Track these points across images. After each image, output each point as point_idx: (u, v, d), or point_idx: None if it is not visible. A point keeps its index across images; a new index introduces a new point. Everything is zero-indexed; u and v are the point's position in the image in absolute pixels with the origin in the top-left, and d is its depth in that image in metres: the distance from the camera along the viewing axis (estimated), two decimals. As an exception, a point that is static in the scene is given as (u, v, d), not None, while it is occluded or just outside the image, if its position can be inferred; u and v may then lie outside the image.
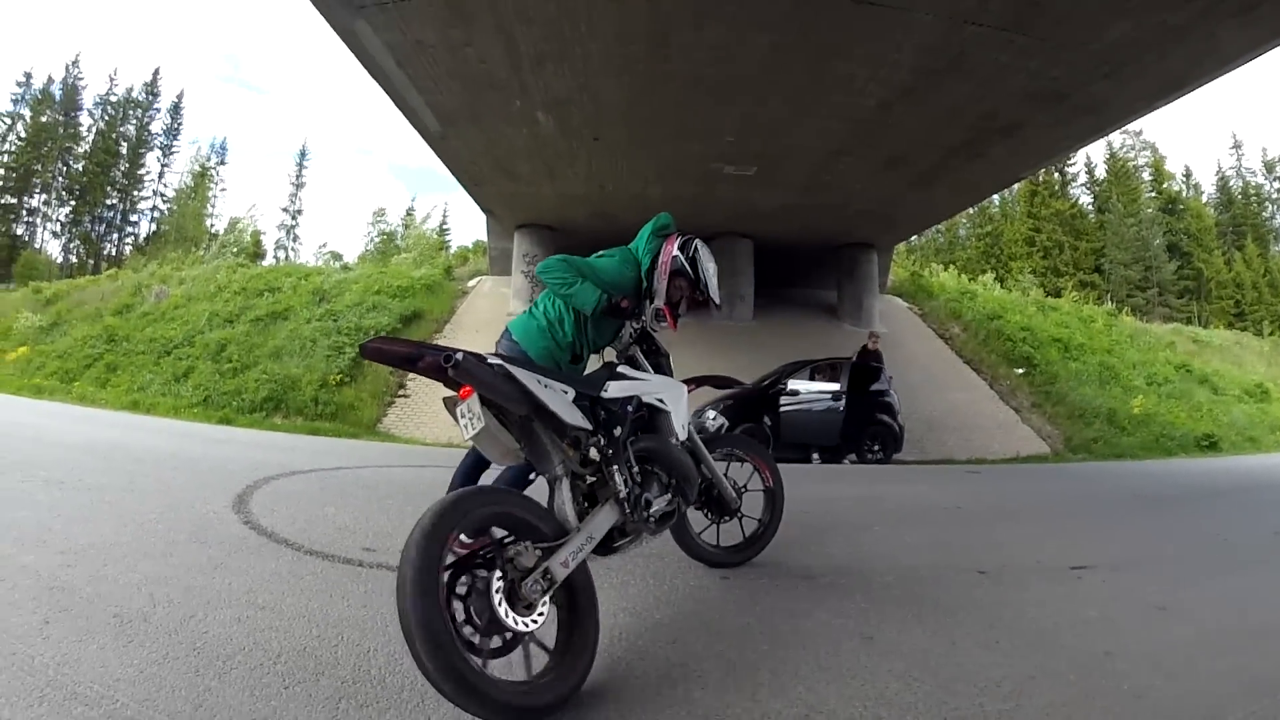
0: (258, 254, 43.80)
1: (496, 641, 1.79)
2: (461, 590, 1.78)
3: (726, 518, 3.19)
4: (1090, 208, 42.10)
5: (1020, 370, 14.58)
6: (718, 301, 3.10)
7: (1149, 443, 12.43)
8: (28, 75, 50.71)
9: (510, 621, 1.77)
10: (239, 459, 6.13)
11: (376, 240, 49.22)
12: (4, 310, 17.95)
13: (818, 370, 10.82)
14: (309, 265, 26.12)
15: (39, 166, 46.89)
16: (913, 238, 25.71)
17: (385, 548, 3.27)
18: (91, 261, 42.34)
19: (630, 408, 2.53)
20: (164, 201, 52.56)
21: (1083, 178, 43.31)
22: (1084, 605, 2.87)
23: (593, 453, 2.40)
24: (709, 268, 2.99)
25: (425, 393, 12.67)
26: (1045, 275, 35.93)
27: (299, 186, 54.07)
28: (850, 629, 2.52)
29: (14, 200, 46.51)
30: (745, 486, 3.25)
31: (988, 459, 10.60)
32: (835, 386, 10.42)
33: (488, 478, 3.11)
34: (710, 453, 3.05)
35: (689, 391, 2.94)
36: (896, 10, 7.07)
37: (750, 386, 10.55)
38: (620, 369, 2.72)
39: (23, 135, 46.93)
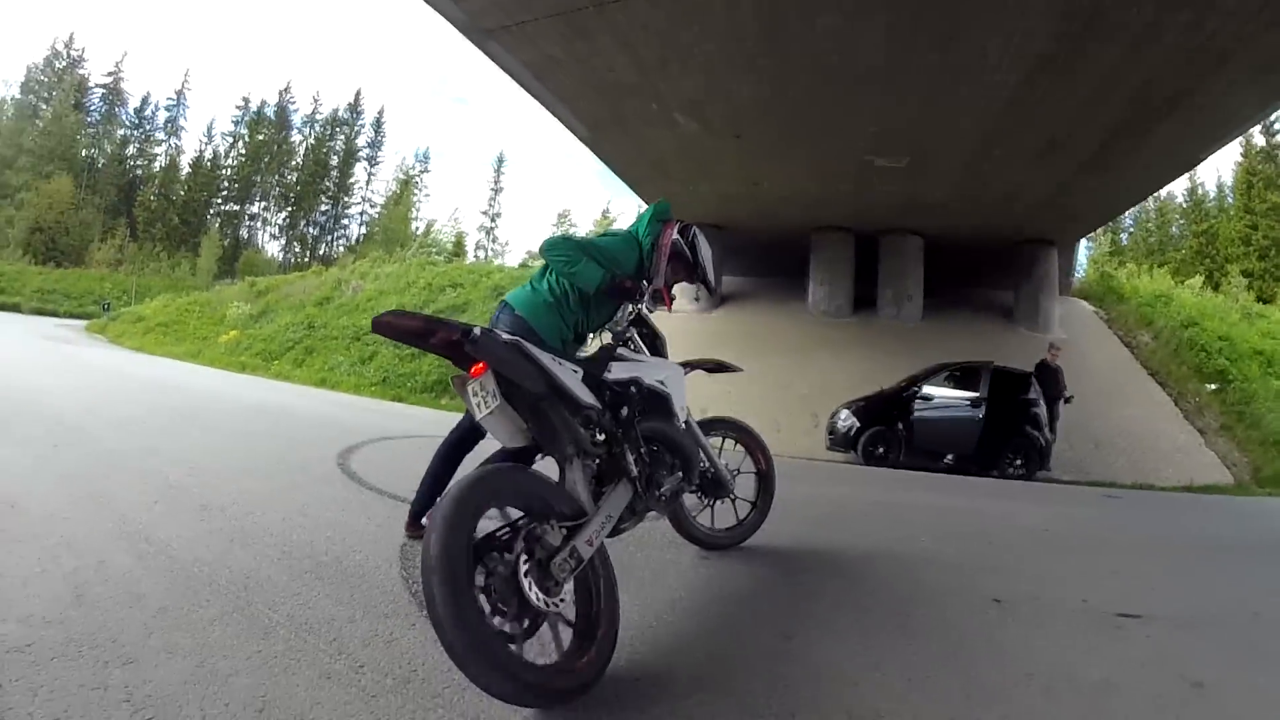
0: (458, 254, 49.31)
1: (525, 623, 1.77)
2: (486, 572, 1.75)
3: (721, 500, 3.35)
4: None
5: (1212, 386, 12.88)
6: (713, 286, 3.43)
7: (1359, 480, 10.47)
8: (245, 99, 62.36)
9: (539, 602, 1.76)
10: (371, 424, 7.43)
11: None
12: (223, 301, 21.97)
13: (956, 375, 10.46)
14: (490, 264, 28.99)
15: (258, 178, 57.09)
16: (1122, 237, 23.32)
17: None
18: (306, 260, 49.76)
19: (634, 389, 2.60)
20: (371, 207, 61.40)
21: None
22: (1097, 662, 2.44)
23: (599, 434, 2.42)
24: (706, 253, 3.23)
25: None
26: (1262, 279, 30.98)
27: (497, 191, 61.20)
28: (774, 628, 2.50)
29: (237, 207, 57.00)
30: (739, 469, 3.45)
31: (1155, 485, 9.56)
32: (975, 394, 10.02)
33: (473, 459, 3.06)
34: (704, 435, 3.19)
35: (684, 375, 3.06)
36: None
37: (887, 390, 10.57)
38: (620, 350, 2.77)
39: (243, 151, 57.44)
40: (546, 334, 2.83)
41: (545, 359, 2.19)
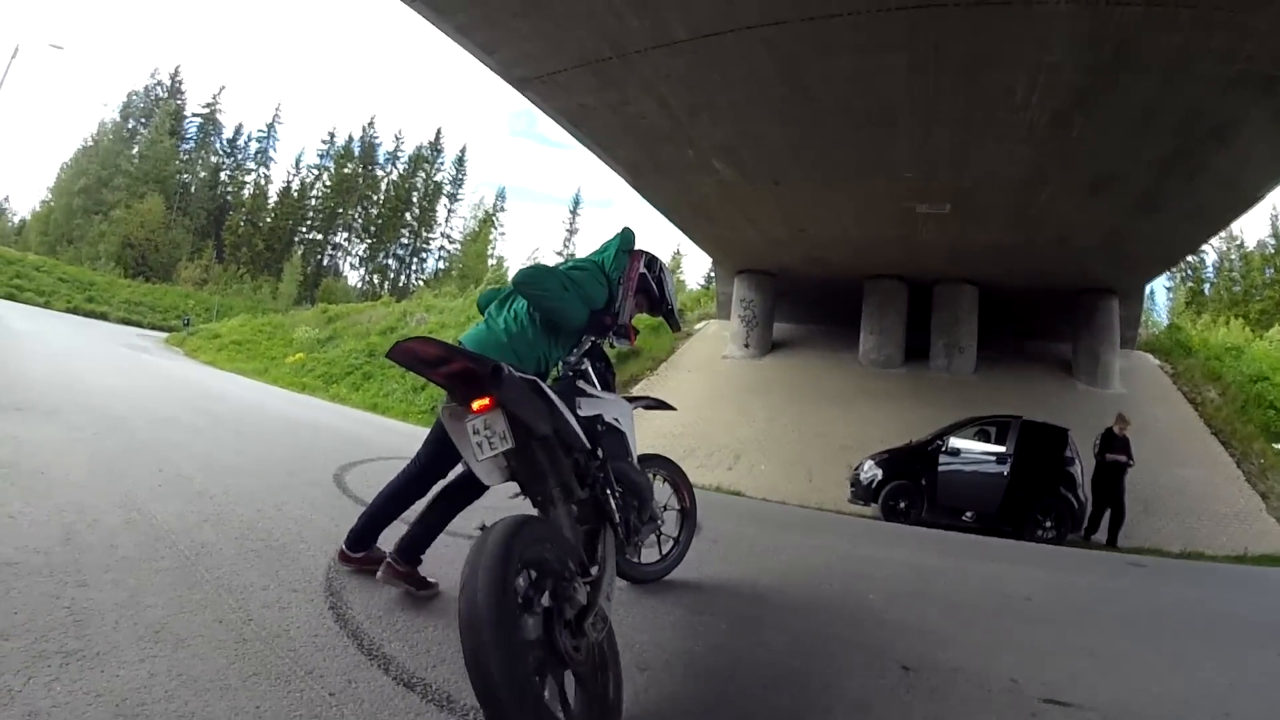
0: None
1: (559, 686, 1.72)
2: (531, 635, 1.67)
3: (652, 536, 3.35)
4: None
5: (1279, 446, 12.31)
6: (678, 321, 3.40)
7: None
8: (331, 134, 67.56)
9: (571, 662, 1.74)
10: (388, 444, 8.15)
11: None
12: (296, 324, 23.63)
13: (987, 429, 10.30)
14: None
15: (341, 210, 60.94)
16: (1204, 287, 22.41)
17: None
18: (384, 292, 52.72)
19: (599, 426, 2.65)
20: (450, 243, 64.91)
21: None
22: None
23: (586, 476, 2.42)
24: (671, 287, 3.22)
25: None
26: None
27: (572, 232, 63.88)
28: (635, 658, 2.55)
29: (320, 236, 60.99)
30: (666, 505, 3.54)
31: (1205, 554, 9.14)
32: (1001, 449, 9.88)
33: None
34: None
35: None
36: (1019, 4, 6.95)
37: (915, 443, 10.51)
38: (579, 384, 2.82)
39: (328, 184, 61.78)
40: None
41: (557, 400, 2.23)
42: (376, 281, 62.66)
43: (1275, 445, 12.31)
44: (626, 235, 3.09)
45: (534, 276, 2.74)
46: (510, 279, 2.81)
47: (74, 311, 35.64)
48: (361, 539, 3.04)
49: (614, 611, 3.03)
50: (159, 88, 62.06)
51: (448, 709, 1.95)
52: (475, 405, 2.12)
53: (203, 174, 62.31)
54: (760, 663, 2.74)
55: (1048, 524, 9.44)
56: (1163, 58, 7.52)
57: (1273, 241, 41.09)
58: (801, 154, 10.75)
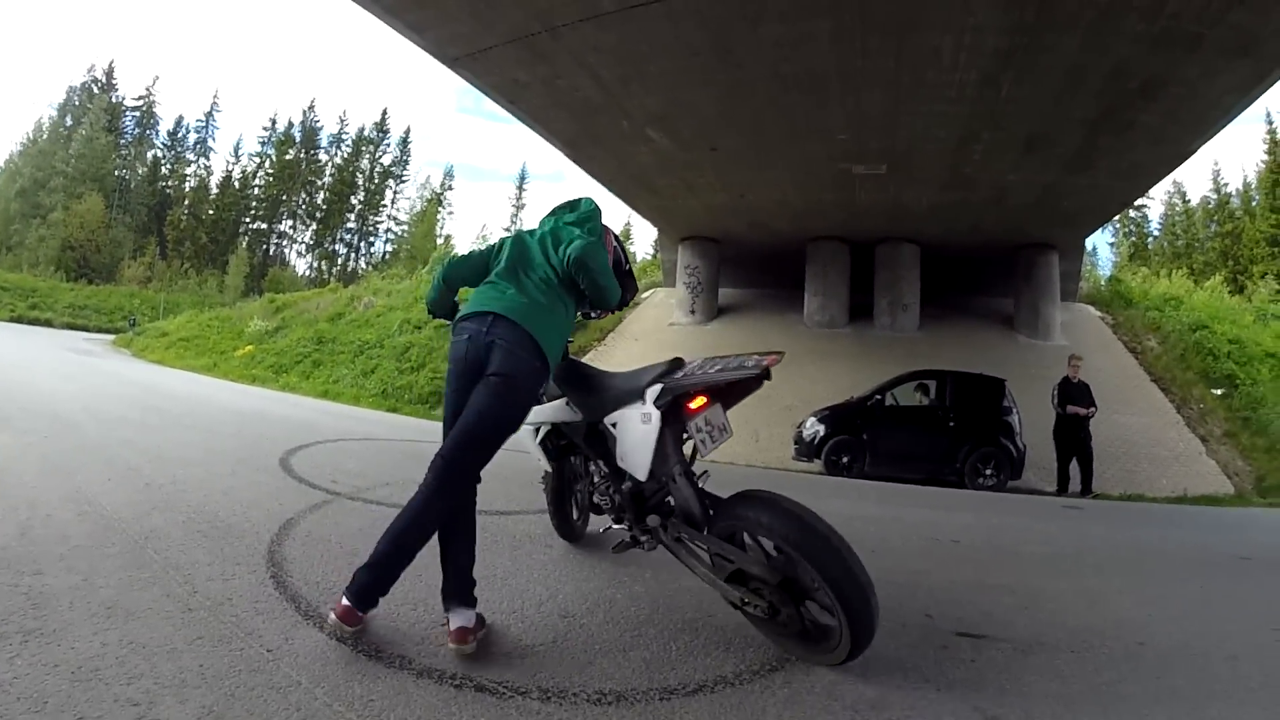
0: None
1: None
2: None
3: None
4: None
5: (1218, 391, 12.90)
6: (636, 284, 3.24)
7: (1369, 489, 10.22)
8: (272, 120, 66.11)
9: None
10: (336, 428, 8.34)
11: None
12: (243, 317, 23.40)
13: (925, 383, 10.74)
14: None
15: (285, 197, 59.77)
16: (1148, 241, 23.24)
17: (346, 482, 4.88)
18: (332, 278, 51.97)
19: None
20: (397, 225, 63.89)
21: None
22: (876, 682, 2.31)
23: None
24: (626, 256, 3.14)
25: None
26: None
27: (519, 208, 63.19)
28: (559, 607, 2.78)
29: (265, 225, 59.87)
30: None
31: (1145, 496, 9.67)
32: (939, 402, 10.37)
33: None
34: None
35: None
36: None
37: (856, 399, 10.84)
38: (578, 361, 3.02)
39: (270, 170, 60.54)
40: (551, 352, 2.52)
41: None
42: (324, 268, 61.75)
43: (1214, 390, 12.96)
44: (597, 209, 2.95)
45: (594, 252, 2.61)
46: (568, 253, 2.60)
47: (17, 320, 35.02)
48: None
49: (544, 565, 3.34)
50: (94, 83, 59.99)
51: (376, 658, 2.18)
52: (693, 405, 2.36)
53: (141, 169, 60.57)
54: (677, 607, 2.89)
55: (988, 472, 9.86)
56: (1085, 16, 7.70)
57: (1214, 196, 42.70)
58: (735, 121, 10.90)
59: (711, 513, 2.49)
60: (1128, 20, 7.73)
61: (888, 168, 12.15)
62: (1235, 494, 10.28)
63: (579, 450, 3.06)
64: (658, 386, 2.45)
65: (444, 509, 2.39)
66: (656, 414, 2.41)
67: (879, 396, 10.55)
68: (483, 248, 2.80)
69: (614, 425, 2.62)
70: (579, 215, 2.82)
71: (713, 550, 2.47)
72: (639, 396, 2.49)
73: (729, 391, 2.48)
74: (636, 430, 2.48)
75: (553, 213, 2.90)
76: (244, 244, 58.76)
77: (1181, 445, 11.66)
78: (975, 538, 5.28)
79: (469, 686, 2.05)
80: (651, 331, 17.31)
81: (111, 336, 30.40)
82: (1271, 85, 9.05)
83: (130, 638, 2.14)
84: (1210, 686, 2.54)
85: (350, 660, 2.15)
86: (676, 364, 2.56)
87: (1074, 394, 10.18)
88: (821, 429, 10.40)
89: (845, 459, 10.19)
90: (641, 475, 2.50)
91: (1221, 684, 2.58)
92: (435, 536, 2.41)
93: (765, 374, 2.32)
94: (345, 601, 2.24)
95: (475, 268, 2.73)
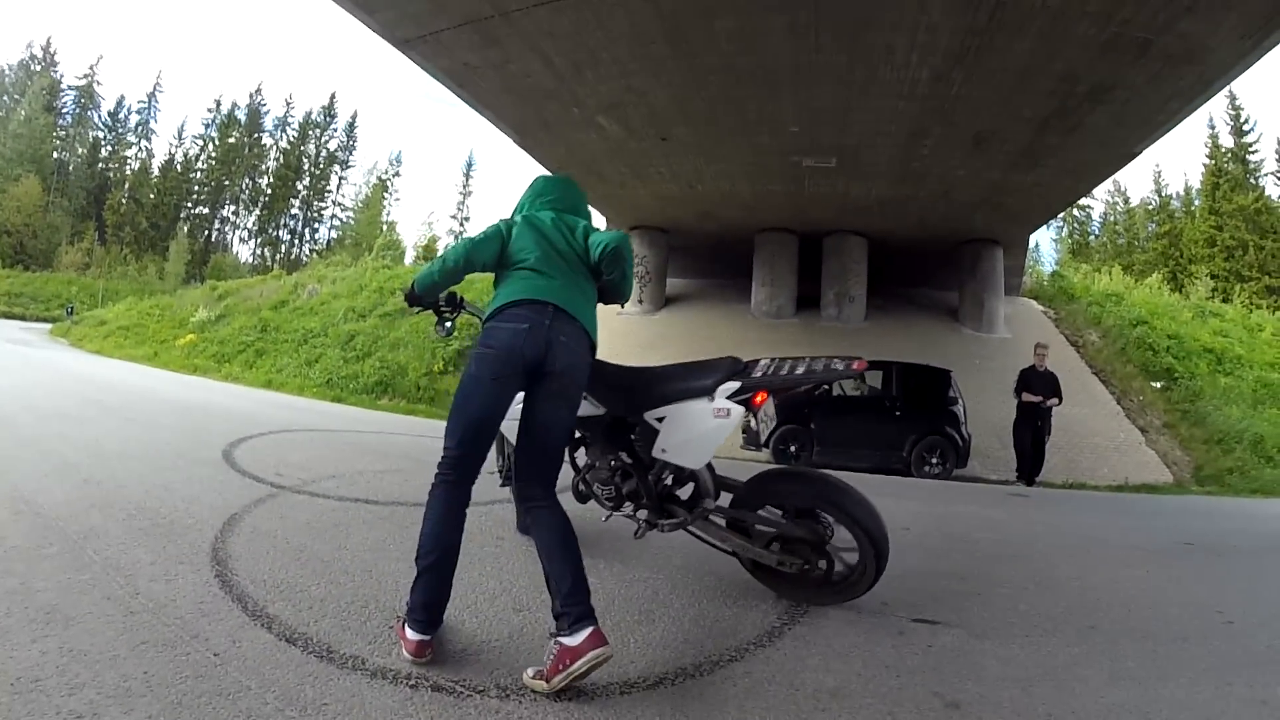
0: (429, 258, 50.89)
1: None
2: None
3: None
4: (1281, 201, 37.46)
5: (1157, 384, 13.44)
6: None
7: (1301, 477, 10.68)
8: (217, 101, 63.70)
9: None
10: (279, 419, 8.13)
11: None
12: (185, 305, 22.67)
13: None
14: None
15: (229, 182, 57.84)
16: (1089, 238, 24.04)
17: (291, 475, 4.76)
18: (276, 265, 50.60)
19: None
20: (342, 211, 62.52)
21: (1272, 164, 38.58)
22: (837, 669, 2.35)
23: None
24: None
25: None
26: (1227, 279, 32.80)
27: (465, 195, 62.48)
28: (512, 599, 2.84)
29: (207, 211, 57.94)
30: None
31: (1087, 484, 9.90)
32: (887, 391, 10.59)
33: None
34: None
35: None
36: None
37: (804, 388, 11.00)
38: None
39: (214, 154, 58.49)
40: (596, 347, 2.53)
41: None
42: (268, 254, 60.03)
43: (1154, 383, 13.45)
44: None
45: (629, 244, 2.57)
46: (606, 243, 2.51)
47: (-52, 310, 33.15)
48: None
49: (496, 558, 3.31)
50: (33, 60, 56.91)
51: (328, 659, 2.13)
52: (757, 400, 2.56)
53: (81, 151, 57.77)
54: (632, 599, 2.88)
55: (934, 461, 10.07)
56: (1038, 19, 7.80)
57: (1156, 198, 44.47)
58: (687, 111, 10.88)
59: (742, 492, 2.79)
60: (1079, 25, 7.85)
61: (838, 161, 12.29)
62: (1174, 483, 10.64)
63: (584, 443, 3.04)
64: (733, 384, 2.57)
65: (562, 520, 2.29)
66: (738, 410, 2.56)
67: (826, 386, 10.57)
68: (485, 232, 2.55)
69: (659, 419, 2.68)
70: (576, 203, 2.74)
71: (751, 522, 2.75)
72: (703, 393, 2.59)
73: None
74: (704, 424, 2.57)
75: (539, 195, 2.73)
76: (185, 229, 56.62)
77: (1122, 435, 12.06)
78: (925, 525, 5.31)
79: (425, 686, 2.02)
80: (599, 321, 17.17)
81: (49, 326, 29.23)
82: (1216, 93, 9.37)
83: (71, 645, 2.06)
84: (1162, 668, 2.59)
85: (300, 663, 2.10)
86: (737, 363, 2.68)
87: (1037, 383, 9.90)
88: (769, 418, 10.49)
89: (793, 448, 10.31)
90: (699, 464, 2.68)
91: (1173, 665, 2.63)
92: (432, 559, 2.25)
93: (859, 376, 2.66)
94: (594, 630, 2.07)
95: (495, 253, 2.51)
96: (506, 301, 2.36)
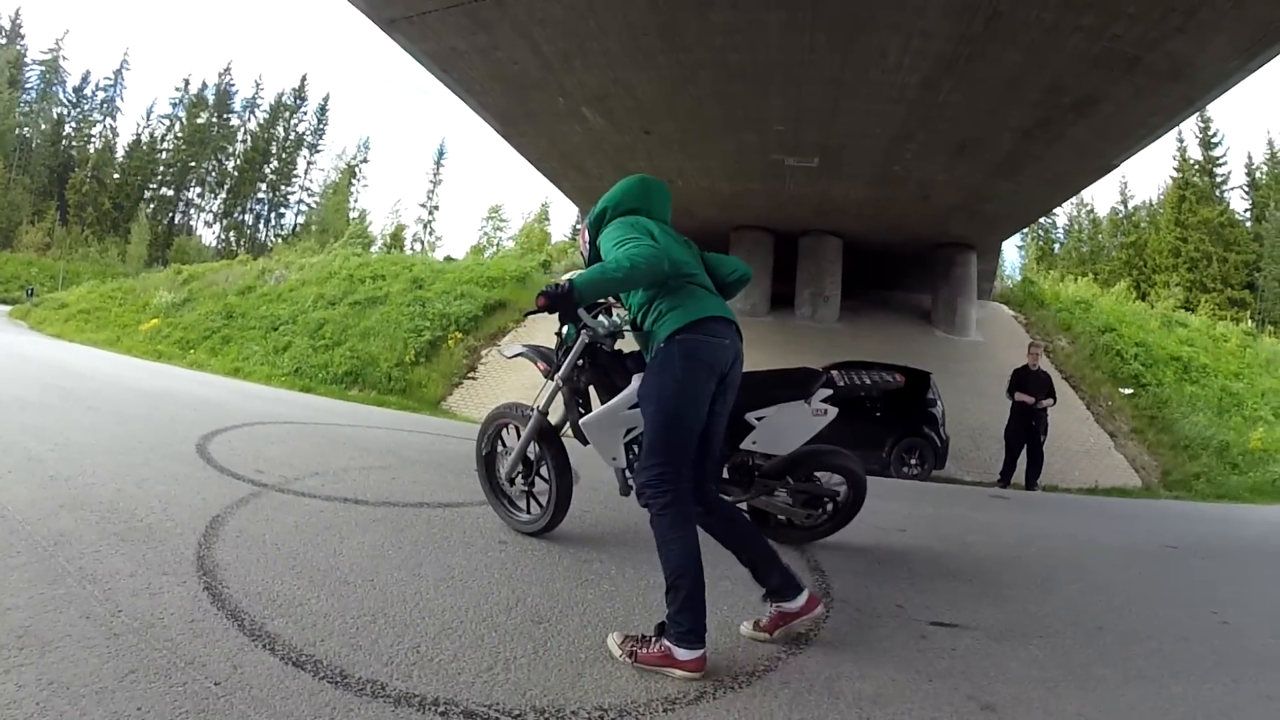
0: (397, 246, 49.99)
1: None
2: None
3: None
4: (1246, 215, 39.25)
5: (1126, 390, 13.69)
6: None
7: (1264, 484, 10.78)
8: (186, 81, 61.59)
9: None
10: (251, 410, 7.78)
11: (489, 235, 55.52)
12: (148, 288, 21.93)
13: (849, 373, 10.87)
14: (413, 256, 29.44)
15: (195, 163, 55.98)
16: (1054, 246, 24.53)
17: (272, 472, 4.45)
18: (241, 249, 49.16)
19: None
20: (310, 196, 61.05)
21: (1239, 178, 40.33)
22: (873, 673, 2.33)
23: None
24: None
25: (492, 376, 14.25)
26: (1190, 290, 34.03)
27: (435, 184, 61.36)
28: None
29: (172, 192, 56.03)
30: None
31: (1059, 487, 9.88)
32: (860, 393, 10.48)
33: None
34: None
35: None
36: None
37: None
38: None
39: (180, 135, 56.52)
40: None
41: None
42: (233, 238, 58.23)
43: (1122, 389, 13.66)
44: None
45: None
46: (743, 273, 3.03)
47: (-98, 291, 31.65)
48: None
49: (503, 564, 3.13)
50: (1, 34, 54.35)
51: (342, 685, 1.92)
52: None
53: (45, 127, 55.16)
54: (651, 606, 2.74)
55: (913, 462, 9.97)
56: (1031, 32, 7.86)
57: (1122, 209, 45.56)
58: (674, 105, 10.78)
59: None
60: (1071, 39, 7.93)
61: (820, 161, 12.27)
62: (1143, 486, 10.82)
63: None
64: (826, 390, 3.34)
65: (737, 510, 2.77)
66: (834, 409, 3.29)
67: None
68: (639, 235, 2.50)
69: (759, 419, 3.23)
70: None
71: (796, 489, 3.52)
72: (801, 396, 3.28)
73: None
74: (804, 421, 3.28)
75: (649, 199, 2.88)
76: (149, 210, 54.58)
77: (1091, 440, 12.21)
78: (919, 528, 5.32)
79: (456, 713, 1.84)
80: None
81: (8, 308, 28.17)
82: (1198, 110, 9.51)
83: (50, 675, 1.81)
84: (1171, 667, 2.65)
85: (313, 690, 1.87)
86: (820, 373, 3.43)
87: (1030, 383, 9.65)
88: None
89: None
90: (786, 452, 3.34)
91: (1180, 664, 2.70)
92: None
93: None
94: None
95: (663, 254, 2.43)
96: (704, 315, 2.44)
